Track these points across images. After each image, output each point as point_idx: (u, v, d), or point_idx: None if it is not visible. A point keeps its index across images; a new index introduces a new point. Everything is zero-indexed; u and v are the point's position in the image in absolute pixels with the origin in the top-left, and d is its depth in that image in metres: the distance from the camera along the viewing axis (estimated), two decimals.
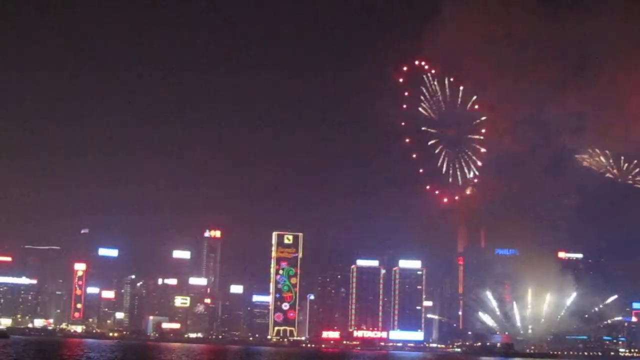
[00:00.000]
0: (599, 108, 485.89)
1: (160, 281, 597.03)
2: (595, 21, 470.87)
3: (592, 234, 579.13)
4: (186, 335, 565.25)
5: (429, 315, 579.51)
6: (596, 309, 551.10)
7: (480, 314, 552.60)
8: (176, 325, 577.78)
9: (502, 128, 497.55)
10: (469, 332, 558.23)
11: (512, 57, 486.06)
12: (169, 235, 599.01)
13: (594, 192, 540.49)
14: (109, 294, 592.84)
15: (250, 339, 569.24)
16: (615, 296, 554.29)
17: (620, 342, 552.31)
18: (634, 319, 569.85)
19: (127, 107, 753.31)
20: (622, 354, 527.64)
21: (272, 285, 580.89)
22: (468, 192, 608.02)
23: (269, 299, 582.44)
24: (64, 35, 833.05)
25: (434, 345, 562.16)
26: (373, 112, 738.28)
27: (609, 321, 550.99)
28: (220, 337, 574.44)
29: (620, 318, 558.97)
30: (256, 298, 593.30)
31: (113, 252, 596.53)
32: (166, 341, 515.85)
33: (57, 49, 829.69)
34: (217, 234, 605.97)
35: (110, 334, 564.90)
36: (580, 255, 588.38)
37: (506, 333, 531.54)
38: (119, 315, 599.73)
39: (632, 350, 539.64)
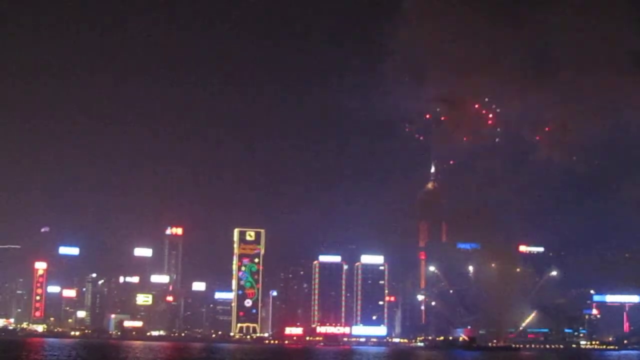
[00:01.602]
0: (560, 102, 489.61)
1: (121, 279, 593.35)
2: (556, 18, 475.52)
3: (553, 227, 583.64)
4: (148, 333, 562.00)
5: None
6: (556, 301, 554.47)
7: (443, 308, 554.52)
8: (138, 323, 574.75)
9: (465, 123, 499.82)
10: (432, 327, 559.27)
11: (473, 53, 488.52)
12: (130, 233, 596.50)
13: (555, 185, 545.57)
14: (70, 293, 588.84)
15: (213, 336, 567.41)
16: (560, 288, 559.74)
17: (581, 335, 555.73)
18: (594, 312, 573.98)
19: (86, 106, 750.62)
20: (583, 346, 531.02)
21: (234, 282, 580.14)
22: (429, 186, 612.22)
23: (231, 295, 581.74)
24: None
25: (397, 340, 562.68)
26: (336, 107, 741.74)
27: (570, 313, 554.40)
28: (182, 334, 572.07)
29: (581, 310, 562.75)
30: (218, 295, 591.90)
31: (74, 251, 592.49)
32: (128, 339, 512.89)
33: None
34: (179, 231, 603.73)
35: (72, 333, 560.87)
36: (541, 249, 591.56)
37: (468, 327, 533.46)
38: (81, 313, 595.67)
39: (593, 342, 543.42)
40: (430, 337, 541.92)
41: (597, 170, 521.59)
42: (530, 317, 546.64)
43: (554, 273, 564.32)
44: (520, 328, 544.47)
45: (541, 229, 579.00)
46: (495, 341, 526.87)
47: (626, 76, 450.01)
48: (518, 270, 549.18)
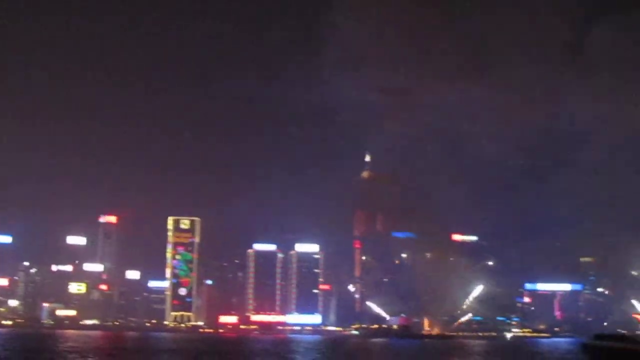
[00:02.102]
0: (496, 95, 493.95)
1: (54, 268, 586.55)
2: (493, 10, 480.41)
3: (486, 217, 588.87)
4: (82, 322, 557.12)
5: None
6: (489, 290, 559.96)
7: (377, 296, 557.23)
8: (72, 312, 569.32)
9: (401, 113, 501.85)
10: (366, 315, 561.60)
11: (412, 44, 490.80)
12: (64, 221, 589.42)
13: (488, 176, 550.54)
14: (2, 281, 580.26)
15: (147, 324, 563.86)
16: (495, 277, 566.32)
17: (513, 323, 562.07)
18: (526, 300, 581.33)
19: (18, 95, 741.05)
20: (514, 334, 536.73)
21: (169, 271, 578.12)
22: (365, 175, 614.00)
23: (166, 284, 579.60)
24: None
25: (332, 328, 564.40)
26: (273, 96, 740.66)
27: (502, 301, 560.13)
28: (116, 323, 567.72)
29: (513, 299, 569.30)
30: (153, 283, 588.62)
31: (6, 239, 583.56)
32: (61, 328, 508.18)
33: None
34: (113, 219, 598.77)
35: (4, 322, 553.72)
36: (474, 238, 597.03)
37: (402, 315, 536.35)
38: (13, 302, 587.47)
39: (525, 330, 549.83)
40: (364, 326, 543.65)
41: (530, 160, 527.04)
42: (464, 306, 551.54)
43: (488, 262, 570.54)
44: (454, 316, 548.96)
45: (475, 219, 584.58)
46: (429, 329, 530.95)
47: (560, 69, 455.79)
48: (452, 259, 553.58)
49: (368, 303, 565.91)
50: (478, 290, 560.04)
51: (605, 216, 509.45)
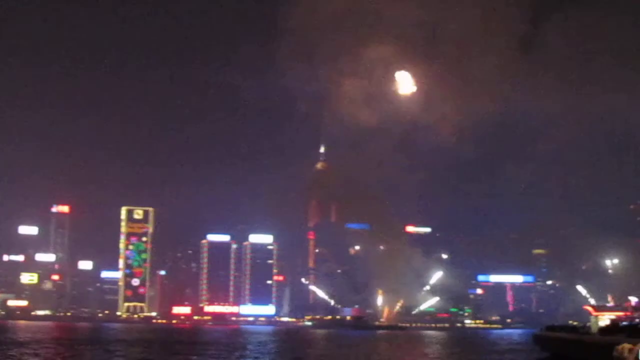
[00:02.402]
0: (445, 83, 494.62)
1: (5, 257, 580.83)
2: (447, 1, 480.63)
3: (441, 208, 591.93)
4: (33, 313, 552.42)
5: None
6: (443, 281, 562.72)
7: (331, 287, 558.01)
8: (23, 303, 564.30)
9: (354, 103, 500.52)
10: (320, 306, 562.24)
11: (360, 31, 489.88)
12: (15, 211, 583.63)
13: (443, 167, 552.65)
14: None
15: (100, 315, 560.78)
16: (448, 268, 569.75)
17: (466, 314, 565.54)
18: (479, 291, 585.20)
19: None
20: (467, 325, 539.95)
21: (122, 261, 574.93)
22: (319, 166, 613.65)
23: (119, 274, 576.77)
24: None
25: (286, 319, 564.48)
26: (229, 87, 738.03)
27: (455, 293, 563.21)
28: (68, 314, 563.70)
29: (464, 290, 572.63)
30: (106, 274, 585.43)
31: None
32: (13, 319, 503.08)
33: None
34: (65, 209, 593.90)
35: None
36: (428, 230, 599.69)
37: (356, 306, 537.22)
38: None
39: (477, 321, 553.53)
40: (318, 317, 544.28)
41: (484, 153, 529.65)
42: (418, 297, 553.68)
43: (442, 254, 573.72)
44: (408, 307, 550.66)
45: (429, 210, 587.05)
46: (382, 320, 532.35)
47: (514, 61, 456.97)
48: (406, 250, 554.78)
49: (322, 294, 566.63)
50: (432, 281, 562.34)
51: (557, 208, 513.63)
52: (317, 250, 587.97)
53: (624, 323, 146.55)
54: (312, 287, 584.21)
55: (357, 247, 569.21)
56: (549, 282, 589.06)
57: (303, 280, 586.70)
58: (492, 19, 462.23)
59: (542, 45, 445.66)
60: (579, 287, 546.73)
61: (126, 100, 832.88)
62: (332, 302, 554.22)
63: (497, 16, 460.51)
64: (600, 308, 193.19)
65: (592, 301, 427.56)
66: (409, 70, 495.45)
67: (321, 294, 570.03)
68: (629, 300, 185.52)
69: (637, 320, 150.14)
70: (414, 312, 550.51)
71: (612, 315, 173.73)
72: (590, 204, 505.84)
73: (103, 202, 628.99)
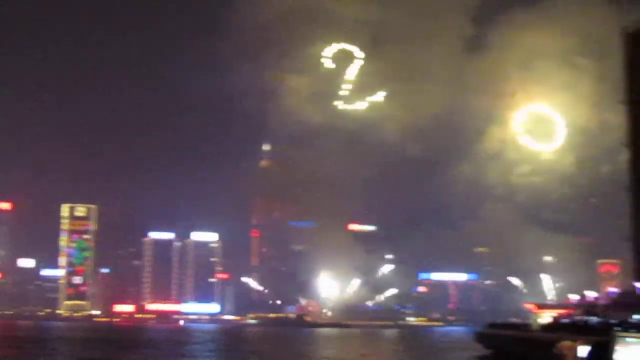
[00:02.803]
0: (393, 82, 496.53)
1: None
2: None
3: (383, 206, 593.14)
4: None
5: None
6: (386, 279, 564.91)
7: (275, 285, 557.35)
8: None
9: (299, 100, 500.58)
10: (264, 304, 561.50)
11: (311, 30, 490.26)
12: None
13: (386, 166, 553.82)
14: None
15: (41, 313, 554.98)
16: (392, 266, 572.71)
17: (409, 312, 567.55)
18: (421, 289, 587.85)
19: None
20: (411, 323, 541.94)
21: (63, 259, 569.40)
22: (264, 164, 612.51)
23: (60, 272, 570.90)
24: None
25: (229, 317, 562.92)
26: (172, 83, 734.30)
27: (398, 290, 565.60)
28: (10, 312, 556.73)
29: (407, 287, 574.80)
30: (47, 272, 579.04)
31: None
32: None
33: None
34: (7, 205, 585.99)
35: None
36: (372, 227, 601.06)
37: (300, 304, 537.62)
38: None
39: (420, 318, 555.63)
40: (262, 315, 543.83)
41: (427, 151, 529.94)
42: (361, 294, 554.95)
43: (385, 251, 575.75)
44: (352, 305, 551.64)
45: (373, 209, 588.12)
46: (326, 318, 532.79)
47: (460, 61, 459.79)
48: (350, 248, 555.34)
49: (265, 292, 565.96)
50: (375, 279, 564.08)
51: (499, 207, 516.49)
52: (260, 248, 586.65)
53: (565, 320, 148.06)
54: (256, 285, 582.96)
55: (301, 245, 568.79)
56: (490, 281, 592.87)
57: (249, 277, 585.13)
58: (438, 20, 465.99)
59: (486, 46, 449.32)
60: (512, 279, 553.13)
61: (68, 96, 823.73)
62: (276, 300, 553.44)
63: (442, 16, 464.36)
64: (541, 306, 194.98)
65: (528, 298, 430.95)
66: (355, 68, 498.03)
67: (265, 291, 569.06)
68: (569, 298, 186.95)
69: (577, 317, 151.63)
70: (357, 310, 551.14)
71: (553, 312, 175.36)
72: (531, 202, 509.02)
73: (44, 199, 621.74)
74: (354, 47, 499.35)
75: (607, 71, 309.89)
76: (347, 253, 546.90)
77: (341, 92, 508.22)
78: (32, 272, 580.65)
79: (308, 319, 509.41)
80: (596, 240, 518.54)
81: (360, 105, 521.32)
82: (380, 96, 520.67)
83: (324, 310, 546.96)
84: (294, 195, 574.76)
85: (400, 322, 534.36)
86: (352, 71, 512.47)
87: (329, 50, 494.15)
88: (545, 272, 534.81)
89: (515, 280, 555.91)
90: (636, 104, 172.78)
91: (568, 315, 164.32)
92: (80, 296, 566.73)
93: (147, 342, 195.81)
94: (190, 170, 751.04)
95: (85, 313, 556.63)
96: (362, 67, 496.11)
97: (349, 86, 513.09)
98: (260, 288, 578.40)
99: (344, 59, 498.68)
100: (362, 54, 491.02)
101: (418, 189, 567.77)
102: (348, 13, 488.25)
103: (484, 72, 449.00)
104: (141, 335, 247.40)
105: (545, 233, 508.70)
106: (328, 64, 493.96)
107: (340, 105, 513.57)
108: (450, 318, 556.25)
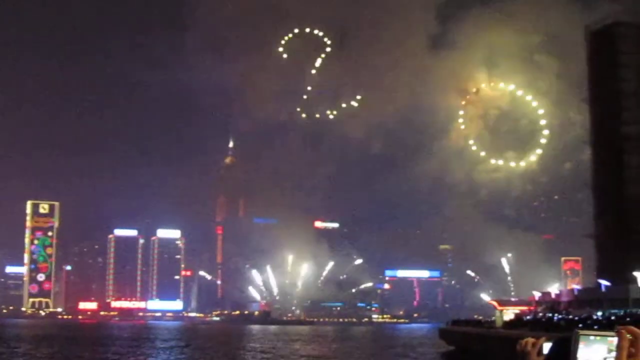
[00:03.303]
0: (357, 80, 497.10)
1: None
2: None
3: (347, 204, 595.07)
4: None
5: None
6: (350, 276, 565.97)
7: (239, 282, 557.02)
8: None
9: (263, 98, 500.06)
10: (228, 301, 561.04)
11: (269, 26, 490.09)
12: None
13: (349, 163, 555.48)
14: None
15: (4, 311, 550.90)
16: (360, 260, 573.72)
17: (373, 309, 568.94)
18: (386, 286, 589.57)
19: None
20: (374, 320, 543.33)
21: (27, 256, 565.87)
22: (228, 161, 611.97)
23: (23, 269, 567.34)
24: None
25: (193, 314, 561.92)
26: (137, 80, 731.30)
27: (363, 287, 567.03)
28: None
29: (372, 285, 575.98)
30: (10, 269, 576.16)
31: None
32: None
33: None
34: None
35: None
36: (336, 225, 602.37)
37: (264, 301, 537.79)
38: None
39: (384, 315, 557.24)
40: (226, 312, 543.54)
41: (390, 148, 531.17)
42: (325, 292, 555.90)
43: (349, 249, 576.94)
44: (316, 302, 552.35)
45: (337, 205, 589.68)
46: (290, 315, 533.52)
47: (424, 58, 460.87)
48: (314, 245, 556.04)
49: (230, 289, 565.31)
50: (339, 276, 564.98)
51: (462, 204, 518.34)
52: (225, 245, 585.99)
53: (528, 317, 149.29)
54: (220, 282, 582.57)
55: (265, 242, 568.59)
56: (454, 278, 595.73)
57: (212, 274, 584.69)
58: (403, 17, 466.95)
59: (451, 44, 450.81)
60: (471, 273, 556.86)
61: (29, 92, 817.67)
62: (240, 297, 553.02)
63: (407, 14, 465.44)
64: (504, 302, 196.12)
65: (492, 295, 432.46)
66: (318, 66, 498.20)
67: (229, 288, 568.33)
68: (533, 295, 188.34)
69: (540, 314, 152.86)
70: (322, 307, 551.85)
71: (516, 309, 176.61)
72: (494, 199, 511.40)
73: (8, 196, 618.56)
74: (318, 42, 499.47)
75: (570, 69, 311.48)
76: (312, 250, 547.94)
77: (305, 94, 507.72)
78: None
79: (272, 316, 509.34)
80: (559, 237, 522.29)
81: (324, 108, 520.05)
82: (346, 95, 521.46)
83: (288, 308, 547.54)
84: (257, 192, 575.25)
85: (365, 319, 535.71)
86: (315, 68, 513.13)
87: (292, 42, 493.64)
88: (507, 269, 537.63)
89: (473, 275, 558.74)
90: (599, 102, 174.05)
91: (531, 312, 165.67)
92: (43, 293, 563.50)
93: (110, 339, 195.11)
94: (154, 167, 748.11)
95: (49, 311, 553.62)
96: (324, 63, 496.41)
97: (313, 83, 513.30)
98: (224, 285, 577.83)
99: (306, 56, 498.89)
100: (326, 50, 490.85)
101: (382, 187, 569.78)
102: (313, 10, 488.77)
103: (448, 70, 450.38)
104: (103, 332, 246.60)
105: (509, 230, 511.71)
106: (290, 55, 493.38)
107: (303, 109, 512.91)
108: (414, 315, 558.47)
